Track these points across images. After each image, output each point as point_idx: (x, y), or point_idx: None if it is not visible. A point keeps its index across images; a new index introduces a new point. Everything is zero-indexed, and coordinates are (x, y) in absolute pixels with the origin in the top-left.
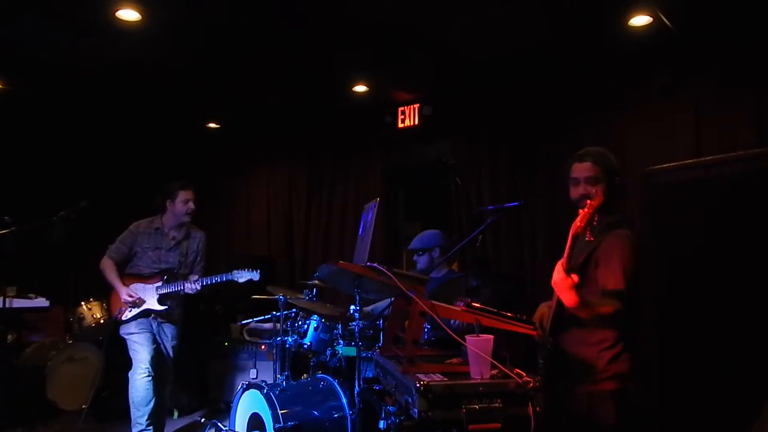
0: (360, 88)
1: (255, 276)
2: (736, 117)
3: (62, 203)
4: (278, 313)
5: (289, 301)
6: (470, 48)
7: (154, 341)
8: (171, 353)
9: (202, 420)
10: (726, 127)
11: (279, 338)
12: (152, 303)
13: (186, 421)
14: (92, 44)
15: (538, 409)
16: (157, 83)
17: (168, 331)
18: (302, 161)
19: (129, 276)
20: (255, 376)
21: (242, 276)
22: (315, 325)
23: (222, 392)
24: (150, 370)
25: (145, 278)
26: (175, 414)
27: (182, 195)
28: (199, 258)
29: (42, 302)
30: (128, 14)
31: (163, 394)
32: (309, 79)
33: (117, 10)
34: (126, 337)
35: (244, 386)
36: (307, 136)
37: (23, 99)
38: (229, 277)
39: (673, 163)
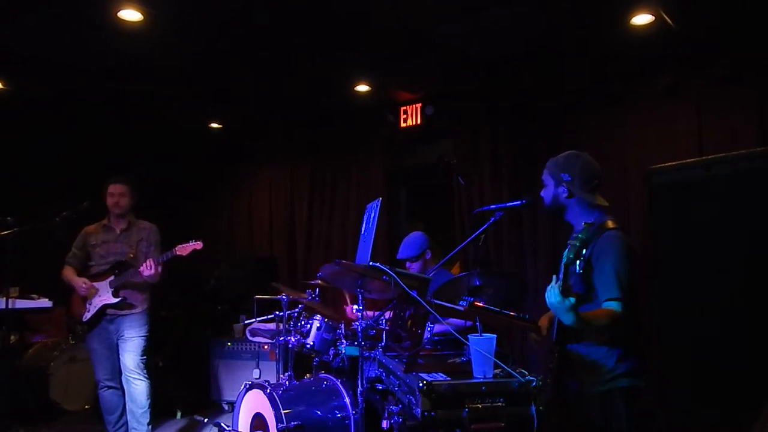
0: (362, 88)
1: (198, 245)
2: (737, 116)
3: (64, 204)
4: (281, 313)
5: (292, 300)
6: (472, 48)
7: (114, 350)
8: (131, 346)
9: (205, 420)
10: (727, 126)
11: (282, 338)
12: (107, 297)
13: (189, 421)
14: (94, 44)
15: (540, 408)
16: (159, 83)
17: (126, 324)
18: (304, 161)
19: (87, 278)
20: (258, 376)
21: (185, 249)
22: (318, 325)
23: (225, 392)
24: (107, 383)
25: (99, 277)
26: (178, 414)
27: (109, 189)
28: (153, 248)
29: (44, 303)
30: (130, 14)
31: (131, 392)
32: (311, 78)
33: (119, 11)
34: (89, 349)
35: (247, 386)
36: (309, 135)
37: (23, 99)
38: (174, 253)
39: (675, 162)
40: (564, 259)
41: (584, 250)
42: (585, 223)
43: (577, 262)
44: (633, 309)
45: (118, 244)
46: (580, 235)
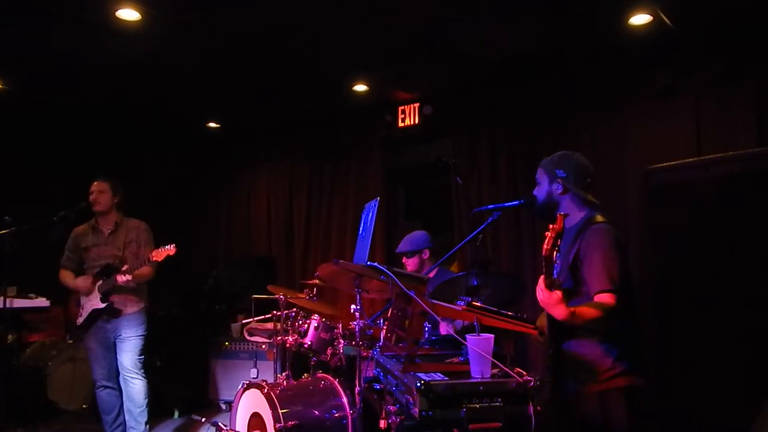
0: (360, 88)
1: (171, 251)
2: (735, 116)
3: (62, 203)
4: (279, 313)
5: (290, 300)
6: (470, 47)
7: (111, 350)
8: (129, 346)
9: (203, 419)
10: (726, 126)
11: (280, 338)
12: (96, 303)
13: (186, 420)
14: (92, 44)
15: (538, 408)
16: (157, 83)
17: (123, 323)
18: (303, 161)
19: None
20: (256, 376)
21: (159, 254)
22: (315, 325)
23: (222, 392)
24: (104, 382)
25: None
26: (176, 413)
27: (90, 187)
28: (143, 249)
29: (42, 302)
30: (128, 14)
31: (129, 391)
32: (309, 78)
33: (117, 10)
34: (86, 349)
35: (245, 386)
36: (307, 135)
37: (23, 99)
38: (150, 262)
39: (673, 162)
40: (543, 252)
41: (560, 241)
42: (559, 214)
43: (555, 252)
44: (630, 306)
45: (108, 247)
46: (555, 226)
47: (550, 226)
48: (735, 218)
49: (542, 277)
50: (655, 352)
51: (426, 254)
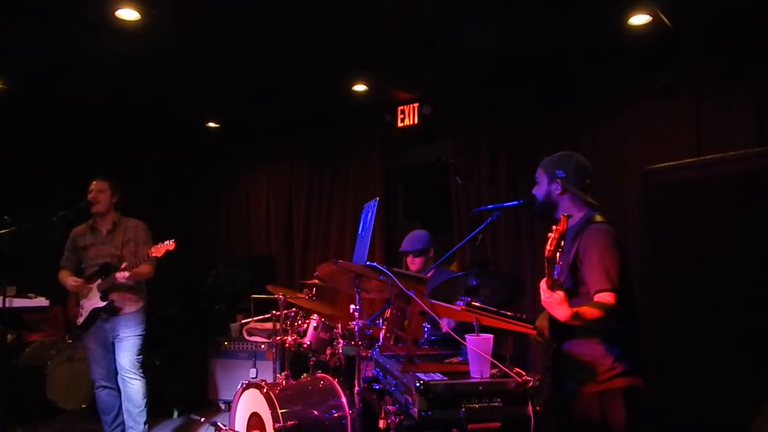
0: (360, 87)
1: (170, 246)
2: (735, 116)
3: (61, 203)
4: (278, 313)
5: (289, 300)
6: (470, 47)
7: (110, 350)
8: (127, 346)
9: (202, 419)
10: (726, 126)
11: (279, 337)
12: (96, 302)
13: (186, 420)
14: (92, 44)
15: (537, 408)
16: (157, 83)
17: (122, 323)
18: (302, 161)
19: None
20: (255, 376)
21: (159, 250)
22: (315, 325)
23: (222, 392)
24: (103, 382)
25: (91, 280)
26: (175, 413)
27: (89, 186)
28: (141, 246)
29: (42, 302)
30: (128, 14)
31: (127, 391)
32: (309, 78)
33: (117, 10)
34: (85, 349)
35: (244, 385)
36: (307, 135)
37: (23, 99)
38: (149, 259)
39: (673, 162)
40: (546, 253)
41: (563, 242)
42: (563, 215)
43: (558, 253)
44: (630, 306)
45: (106, 246)
46: (558, 227)
47: (553, 227)
48: (735, 218)
49: (545, 280)
50: (655, 352)
51: (431, 253)
